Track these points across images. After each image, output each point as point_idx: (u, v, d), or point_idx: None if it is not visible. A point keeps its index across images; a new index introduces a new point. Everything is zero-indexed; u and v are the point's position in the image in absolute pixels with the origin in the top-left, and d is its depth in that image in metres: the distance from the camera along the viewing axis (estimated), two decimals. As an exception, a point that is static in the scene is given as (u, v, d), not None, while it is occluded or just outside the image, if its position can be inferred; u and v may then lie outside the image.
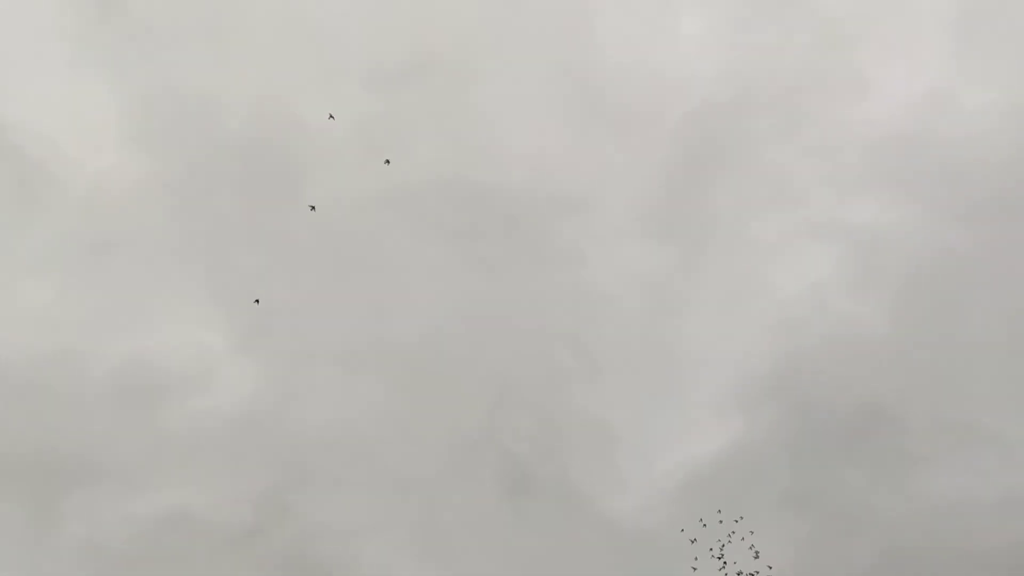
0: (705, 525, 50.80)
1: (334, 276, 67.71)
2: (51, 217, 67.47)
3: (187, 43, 70.61)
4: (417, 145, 67.05)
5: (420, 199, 69.36)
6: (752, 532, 50.32)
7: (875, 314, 64.95)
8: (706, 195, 71.79)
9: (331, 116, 54.79)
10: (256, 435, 61.98)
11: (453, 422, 63.58)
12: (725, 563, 49.75)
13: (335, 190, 65.90)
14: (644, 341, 68.20)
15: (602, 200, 71.42)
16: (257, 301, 57.14)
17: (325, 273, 67.35)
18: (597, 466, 62.95)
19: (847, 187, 70.01)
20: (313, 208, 53.90)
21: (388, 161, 56.21)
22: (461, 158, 70.34)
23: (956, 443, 59.08)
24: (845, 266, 67.68)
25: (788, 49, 73.44)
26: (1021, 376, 59.97)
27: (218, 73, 70.41)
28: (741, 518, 50.64)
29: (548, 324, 67.96)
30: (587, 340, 68.00)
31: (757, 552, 49.74)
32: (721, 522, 50.80)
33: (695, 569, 49.95)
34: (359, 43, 70.12)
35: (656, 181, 71.91)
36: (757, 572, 49.49)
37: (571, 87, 72.99)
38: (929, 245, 65.85)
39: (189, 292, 66.86)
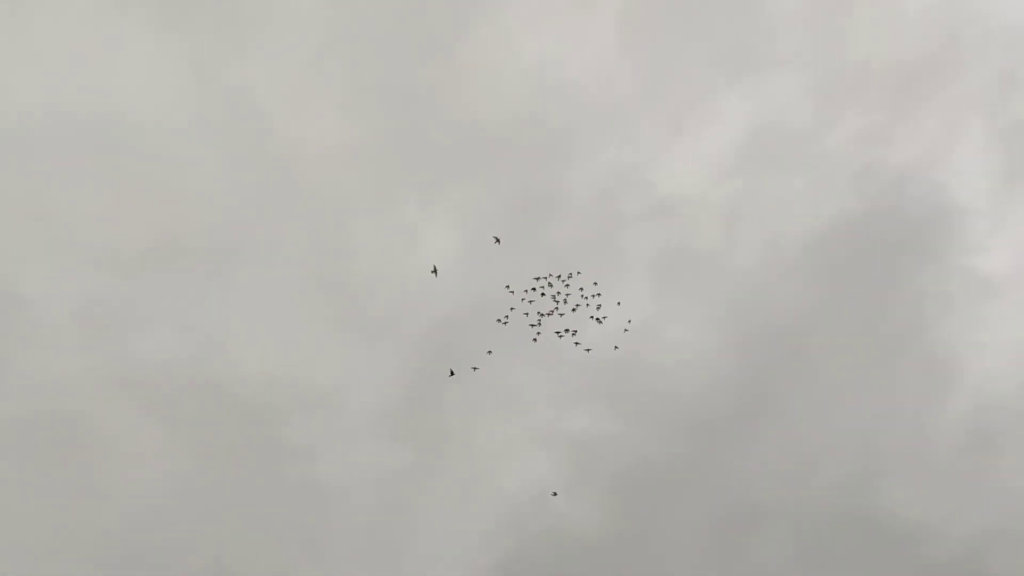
0: None
1: (39, 457, 66.15)
2: None
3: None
4: (152, 329, 69.54)
5: (149, 383, 70.92)
6: None
7: (587, 512, 72.46)
8: (441, 402, 78.64)
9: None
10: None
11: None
12: None
13: (48, 369, 66.05)
14: (374, 539, 70.93)
15: (341, 400, 76.46)
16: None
17: (27, 454, 65.62)
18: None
19: (566, 401, 79.61)
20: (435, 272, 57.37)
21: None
22: (200, 345, 73.45)
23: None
24: (562, 470, 75.63)
25: (523, 275, 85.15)
26: (705, 567, 68.42)
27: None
28: None
29: (276, 518, 69.23)
30: (316, 536, 69.64)
31: None
32: None
33: None
34: (99, 223, 73.77)
35: (395, 386, 78.28)
36: None
37: (321, 288, 79.99)
38: (632, 453, 75.71)
39: None
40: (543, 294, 71.49)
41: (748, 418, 78.57)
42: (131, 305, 71.80)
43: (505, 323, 68.86)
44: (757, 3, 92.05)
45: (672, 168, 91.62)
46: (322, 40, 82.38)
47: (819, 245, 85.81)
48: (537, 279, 71.87)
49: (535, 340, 68.77)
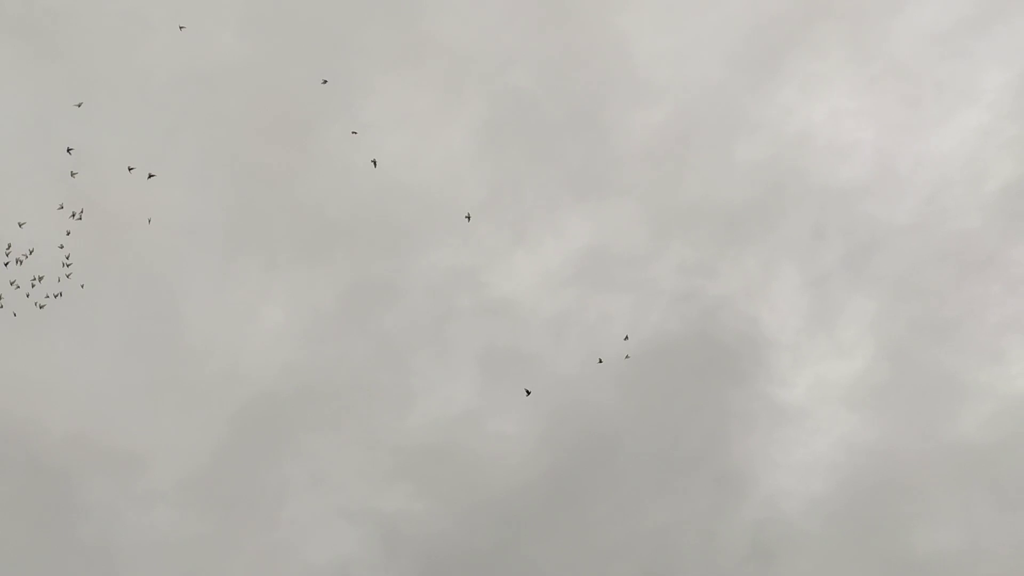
0: None
1: None
2: None
3: None
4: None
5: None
6: None
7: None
8: (251, 473, 79.80)
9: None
10: None
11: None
12: None
13: None
14: (163, 606, 69.97)
15: (146, 463, 76.36)
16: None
17: None
18: None
19: (379, 481, 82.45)
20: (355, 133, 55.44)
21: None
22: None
23: None
24: (371, 548, 78.16)
25: (351, 357, 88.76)
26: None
27: None
28: None
29: (61, 576, 67.51)
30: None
31: None
32: None
33: None
34: None
35: (205, 454, 79.03)
36: None
37: (142, 353, 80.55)
38: (443, 535, 79.37)
39: None
40: None
41: (554, 512, 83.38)
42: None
43: None
44: (608, 135, 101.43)
45: (509, 273, 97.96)
46: (175, 109, 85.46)
47: (637, 360, 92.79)
48: None
49: None
